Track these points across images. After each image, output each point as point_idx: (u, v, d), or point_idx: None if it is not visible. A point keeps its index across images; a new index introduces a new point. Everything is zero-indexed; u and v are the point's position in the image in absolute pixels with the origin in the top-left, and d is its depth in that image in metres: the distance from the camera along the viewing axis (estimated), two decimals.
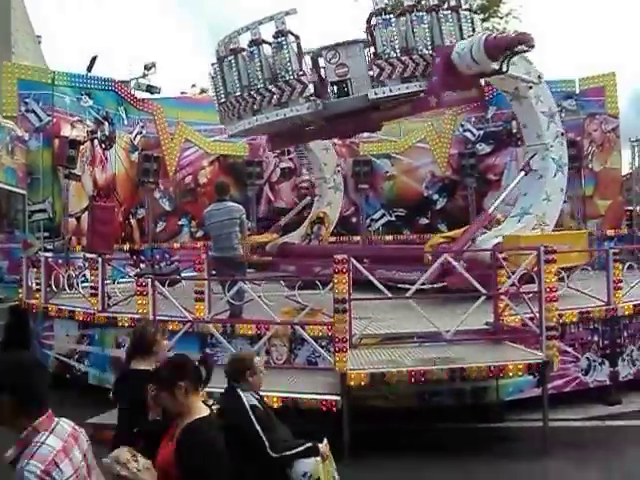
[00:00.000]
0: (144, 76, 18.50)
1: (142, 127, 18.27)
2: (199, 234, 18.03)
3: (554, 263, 7.72)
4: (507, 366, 7.32)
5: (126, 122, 17.82)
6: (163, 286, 9.05)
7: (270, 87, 11.85)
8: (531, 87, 11.84)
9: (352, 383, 7.02)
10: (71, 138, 15.29)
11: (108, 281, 11.23)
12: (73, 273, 12.27)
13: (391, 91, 11.33)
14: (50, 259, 12.50)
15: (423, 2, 11.81)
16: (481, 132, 18.85)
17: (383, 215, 19.55)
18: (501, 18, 31.65)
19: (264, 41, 12.07)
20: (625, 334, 9.69)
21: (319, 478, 4.67)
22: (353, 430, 6.83)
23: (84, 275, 12.10)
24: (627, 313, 9.64)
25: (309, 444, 4.78)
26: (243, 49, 12.33)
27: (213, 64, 13.17)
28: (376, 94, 11.35)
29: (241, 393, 4.79)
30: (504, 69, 10.63)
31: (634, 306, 9.70)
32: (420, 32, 11.39)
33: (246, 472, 4.52)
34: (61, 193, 15.34)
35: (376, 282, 8.11)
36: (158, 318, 8.37)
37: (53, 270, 11.96)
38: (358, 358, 7.58)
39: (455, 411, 8.39)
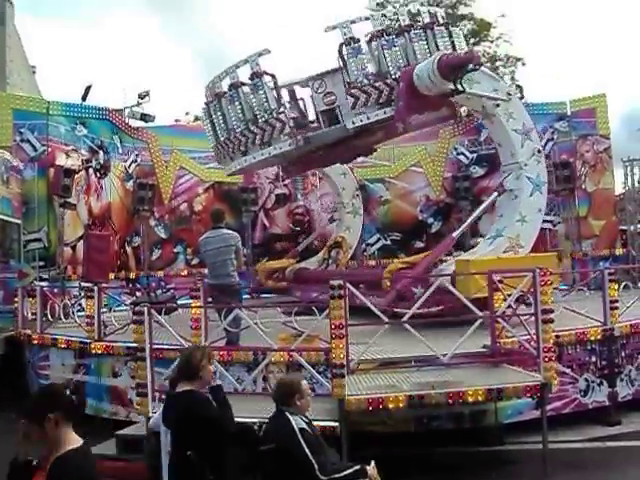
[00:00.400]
0: (138, 104, 18.58)
1: (137, 155, 18.33)
2: (195, 261, 18.02)
3: (550, 285, 7.73)
4: (505, 389, 7.28)
5: (121, 150, 17.88)
6: (159, 314, 9.02)
7: (252, 128, 11.93)
8: (498, 105, 11.64)
9: (350, 409, 6.99)
10: (66, 167, 15.31)
11: (104, 310, 11.21)
12: (69, 302, 12.27)
13: (369, 118, 11.21)
14: (46, 288, 12.50)
15: (399, 23, 11.66)
16: (474, 155, 18.97)
17: (379, 239, 19.58)
18: (492, 42, 32.08)
19: (243, 83, 12.17)
20: (623, 354, 9.68)
21: None
22: (352, 456, 6.77)
23: (80, 304, 12.08)
24: (624, 333, 9.64)
25: (357, 467, 4.87)
26: (225, 92, 12.46)
27: (203, 108, 13.39)
28: (354, 123, 11.29)
29: (290, 417, 4.87)
30: (460, 88, 10.40)
31: (631, 326, 9.72)
32: (392, 55, 11.29)
33: None
34: (56, 222, 15.34)
35: (373, 307, 8.11)
36: (155, 347, 8.33)
37: (49, 300, 11.94)
38: (356, 384, 7.53)
39: (454, 435, 8.35)
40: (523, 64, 32.13)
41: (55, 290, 13.50)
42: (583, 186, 17.93)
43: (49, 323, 11.65)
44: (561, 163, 17.52)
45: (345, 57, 11.39)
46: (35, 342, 11.45)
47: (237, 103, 12.18)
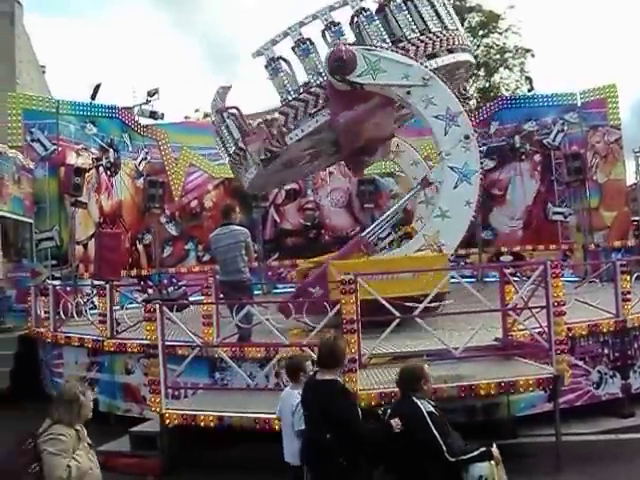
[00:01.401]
0: (147, 102, 18.66)
1: (147, 153, 18.41)
2: (206, 258, 18.07)
3: (560, 278, 7.69)
4: (518, 382, 7.27)
5: (130, 148, 17.97)
6: (171, 311, 9.04)
7: (231, 158, 12.87)
8: (409, 92, 10.72)
9: (362, 403, 6.99)
10: (76, 166, 15.41)
11: (116, 307, 11.24)
12: (81, 300, 12.29)
13: (303, 131, 11.34)
14: (58, 287, 12.54)
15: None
16: (484, 147, 18.83)
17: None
18: (500, 34, 31.92)
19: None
20: (635, 346, 9.60)
21: None
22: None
23: (92, 302, 12.12)
24: (637, 325, 9.56)
25: (483, 449, 5.02)
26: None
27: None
28: (291, 139, 11.42)
29: (417, 401, 5.02)
30: (348, 82, 10.43)
31: None
32: (310, 63, 11.51)
33: (428, 474, 4.83)
34: (68, 221, 15.43)
35: (383, 301, 8.09)
36: (167, 343, 8.36)
37: (61, 298, 11.98)
38: (368, 378, 7.54)
39: (467, 428, 8.33)
40: (532, 55, 31.94)
41: (67, 288, 13.56)
42: (594, 177, 17.85)
43: (62, 321, 11.69)
44: (572, 154, 17.47)
45: (269, 79, 11.86)
46: (48, 340, 11.52)
47: (218, 138, 13.10)
